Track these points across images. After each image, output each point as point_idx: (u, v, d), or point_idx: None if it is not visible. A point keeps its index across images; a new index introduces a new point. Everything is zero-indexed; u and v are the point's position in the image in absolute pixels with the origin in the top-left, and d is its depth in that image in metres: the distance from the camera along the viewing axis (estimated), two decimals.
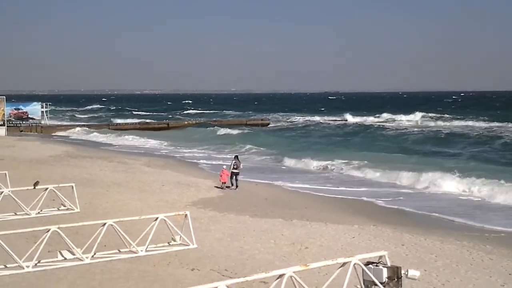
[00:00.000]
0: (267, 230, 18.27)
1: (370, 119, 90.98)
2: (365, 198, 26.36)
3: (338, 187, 29.63)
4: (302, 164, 38.79)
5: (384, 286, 7.72)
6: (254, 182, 30.43)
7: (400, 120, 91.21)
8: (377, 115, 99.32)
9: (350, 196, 27.02)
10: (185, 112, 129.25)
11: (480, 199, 26.39)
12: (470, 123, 78.63)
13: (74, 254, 14.13)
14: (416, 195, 27.73)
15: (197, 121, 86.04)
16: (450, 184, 29.10)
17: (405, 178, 31.32)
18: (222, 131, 68.86)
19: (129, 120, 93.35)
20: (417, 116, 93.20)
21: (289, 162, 40.21)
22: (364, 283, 7.89)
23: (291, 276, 7.54)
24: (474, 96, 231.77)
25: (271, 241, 16.92)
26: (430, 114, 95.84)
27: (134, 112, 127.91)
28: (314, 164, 38.10)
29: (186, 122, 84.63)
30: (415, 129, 69.82)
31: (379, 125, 78.47)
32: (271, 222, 19.59)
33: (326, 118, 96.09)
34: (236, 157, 29.09)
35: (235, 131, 67.51)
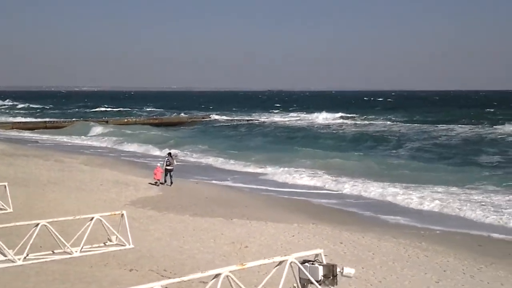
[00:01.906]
0: (207, 229, 18.15)
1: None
2: (304, 198, 26.61)
3: (279, 188, 29.73)
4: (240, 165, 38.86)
5: (320, 284, 7.73)
6: (194, 181, 30.28)
7: (310, 118, 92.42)
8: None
9: (290, 196, 27.19)
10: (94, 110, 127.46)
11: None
12: (379, 122, 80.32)
13: (5, 256, 13.65)
14: (349, 196, 27.81)
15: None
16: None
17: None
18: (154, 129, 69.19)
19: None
20: (336, 115, 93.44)
21: (229, 162, 40.17)
22: (300, 282, 7.89)
23: (227, 276, 7.45)
24: (409, 96, 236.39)
25: (211, 240, 16.81)
26: (350, 115, 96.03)
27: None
28: (251, 164, 38.23)
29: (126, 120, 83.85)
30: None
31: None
32: (211, 221, 19.47)
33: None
34: (169, 154, 29.40)
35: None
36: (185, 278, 7.80)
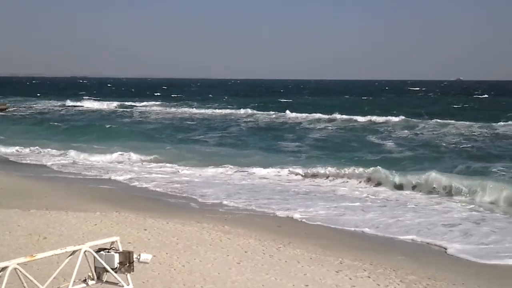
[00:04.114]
0: (2, 222, 16.93)
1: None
2: (108, 186, 26.10)
3: (83, 176, 28.90)
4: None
5: (116, 272, 7.52)
6: None
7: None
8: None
9: (96, 184, 26.50)
10: None
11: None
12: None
13: None
14: (160, 179, 28.04)
15: None
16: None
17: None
18: None
19: None
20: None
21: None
22: (96, 270, 7.59)
23: (15, 269, 6.94)
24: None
25: (6, 232, 15.72)
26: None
27: None
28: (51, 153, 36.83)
29: None
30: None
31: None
32: (6, 213, 18.22)
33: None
34: None
35: None
36: None
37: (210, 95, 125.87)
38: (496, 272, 14.53)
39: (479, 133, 48.59)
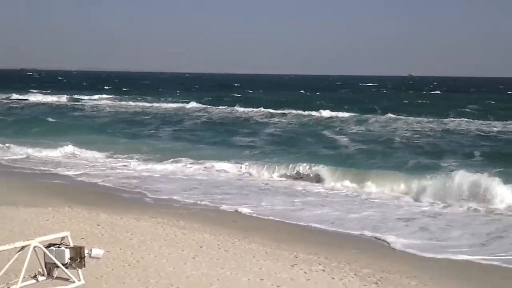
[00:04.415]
0: None
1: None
2: (61, 182, 25.63)
3: (36, 170, 28.29)
4: None
5: (66, 267, 7.33)
6: None
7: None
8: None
9: (50, 179, 26.00)
10: None
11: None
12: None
13: None
14: (114, 174, 27.66)
15: None
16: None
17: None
18: None
19: None
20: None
21: None
22: (46, 266, 7.39)
23: None
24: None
25: None
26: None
27: None
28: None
29: None
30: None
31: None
32: None
33: None
34: None
35: None
36: None
37: (161, 89, 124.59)
38: (448, 265, 14.79)
39: (429, 128, 49.47)
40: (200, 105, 74.78)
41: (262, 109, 66.08)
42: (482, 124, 52.37)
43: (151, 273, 12.25)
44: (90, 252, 7.47)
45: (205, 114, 64.92)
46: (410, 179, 25.03)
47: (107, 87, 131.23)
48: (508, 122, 52.83)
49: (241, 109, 67.55)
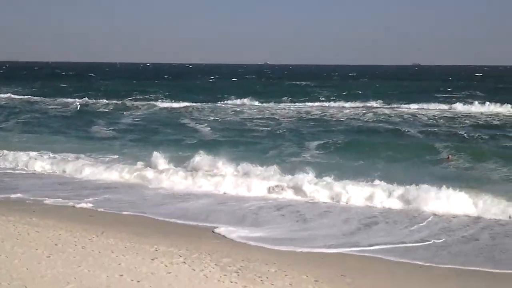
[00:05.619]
0: None
1: None
2: None
3: None
4: None
5: None
6: None
7: None
8: None
9: None
10: None
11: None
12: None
13: None
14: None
15: None
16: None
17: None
18: None
19: None
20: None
21: None
22: None
23: None
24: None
25: None
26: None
27: None
28: None
29: None
30: None
31: None
32: None
33: None
34: None
35: None
36: None
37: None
38: (310, 255, 15.21)
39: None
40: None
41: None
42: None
43: (3, 275, 11.58)
44: None
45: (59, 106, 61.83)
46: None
47: None
48: None
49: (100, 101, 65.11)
